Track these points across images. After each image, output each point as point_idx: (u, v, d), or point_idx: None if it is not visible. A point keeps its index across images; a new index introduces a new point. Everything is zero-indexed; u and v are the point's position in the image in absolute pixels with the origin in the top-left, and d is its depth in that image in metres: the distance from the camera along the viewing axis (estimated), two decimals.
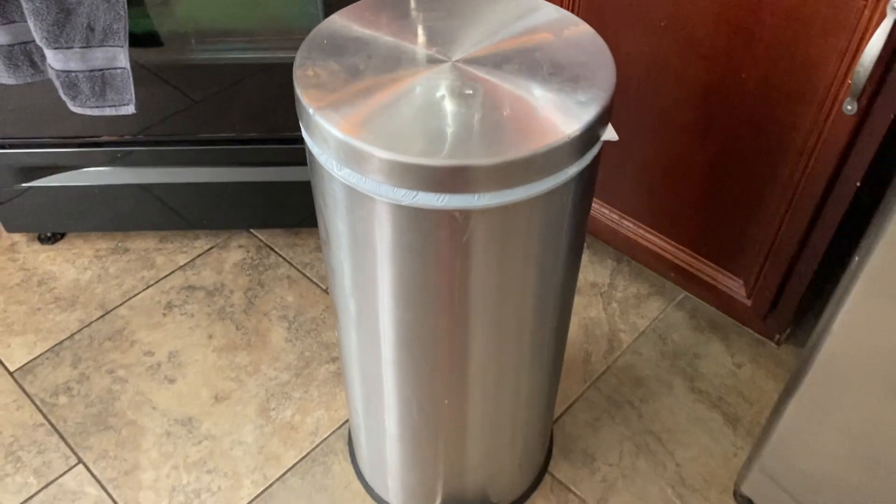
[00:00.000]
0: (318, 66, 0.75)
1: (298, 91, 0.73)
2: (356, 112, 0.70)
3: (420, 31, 0.79)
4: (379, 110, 0.70)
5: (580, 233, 0.83)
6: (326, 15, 1.24)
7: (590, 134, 0.71)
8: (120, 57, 1.15)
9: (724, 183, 1.16)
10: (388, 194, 0.70)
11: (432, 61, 0.75)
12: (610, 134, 0.75)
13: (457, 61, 0.75)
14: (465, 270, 0.75)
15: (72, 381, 1.32)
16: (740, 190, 1.14)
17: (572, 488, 1.19)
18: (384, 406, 0.97)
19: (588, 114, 0.70)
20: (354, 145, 0.68)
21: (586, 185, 0.77)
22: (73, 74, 1.15)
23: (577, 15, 1.14)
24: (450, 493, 1.09)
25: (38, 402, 1.29)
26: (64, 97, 1.18)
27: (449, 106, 0.71)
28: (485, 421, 0.97)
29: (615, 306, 1.43)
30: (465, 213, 0.70)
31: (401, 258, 0.75)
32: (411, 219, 0.71)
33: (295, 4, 1.26)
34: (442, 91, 0.72)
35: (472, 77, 0.74)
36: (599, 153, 0.76)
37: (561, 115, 0.70)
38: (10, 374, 1.33)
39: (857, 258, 0.82)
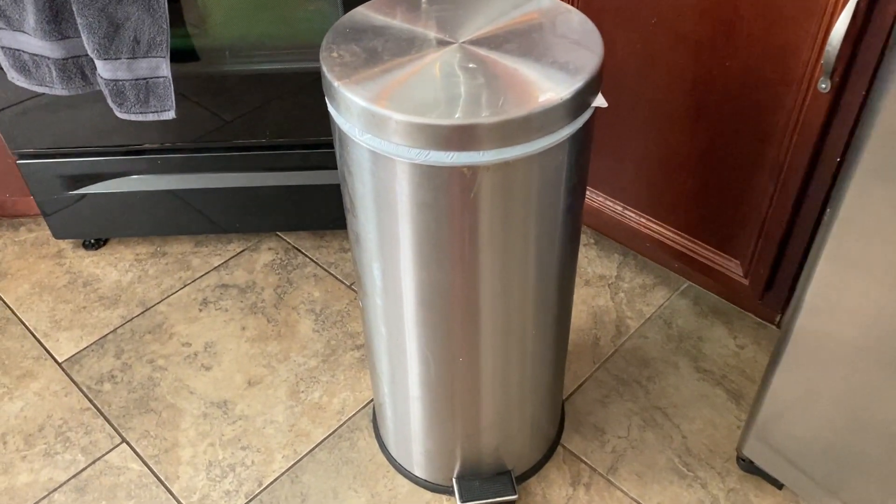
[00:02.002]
0: (341, 49, 0.86)
1: (325, 69, 0.84)
2: (376, 84, 0.81)
3: (430, 19, 0.90)
4: (396, 83, 0.81)
5: (577, 195, 0.92)
6: None
7: (580, 98, 0.81)
8: (162, 66, 1.27)
9: (716, 168, 1.25)
10: (405, 154, 0.80)
11: (441, 43, 0.86)
12: (600, 101, 0.84)
13: (463, 42, 0.86)
14: (473, 225, 0.85)
15: (115, 369, 1.42)
16: (732, 173, 1.23)
17: (584, 458, 1.26)
18: (406, 368, 1.06)
19: (578, 81, 0.80)
20: (374, 111, 0.78)
21: (580, 147, 0.86)
22: (121, 83, 1.28)
23: None
24: (467, 459, 1.17)
25: (84, 389, 1.39)
26: (111, 104, 1.30)
27: (457, 78, 0.81)
28: (496, 379, 1.05)
29: (622, 296, 1.52)
30: (473, 169, 0.80)
31: (418, 215, 0.85)
32: (425, 176, 0.81)
33: (319, 18, 1.39)
34: (450, 66, 0.83)
35: (477, 55, 0.84)
36: (592, 119, 0.86)
37: (555, 83, 0.80)
38: (59, 364, 1.43)
39: (824, 225, 0.91)
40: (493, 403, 1.09)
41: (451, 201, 0.83)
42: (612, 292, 1.52)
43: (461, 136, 0.78)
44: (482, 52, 0.85)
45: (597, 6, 1.23)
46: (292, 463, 1.27)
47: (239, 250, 1.64)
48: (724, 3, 1.09)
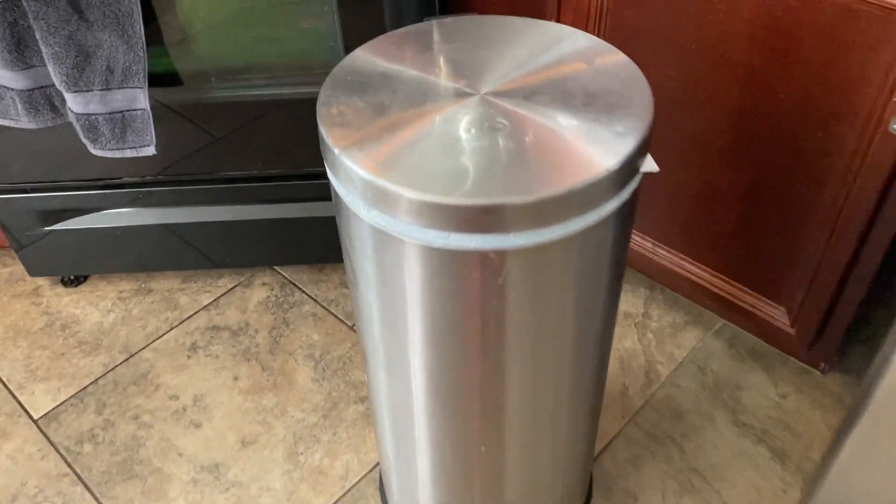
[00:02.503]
0: (342, 104, 0.72)
1: (323, 130, 0.70)
2: (383, 150, 0.67)
3: (445, 63, 0.76)
4: (406, 147, 0.67)
5: (619, 269, 0.79)
6: (346, 47, 1.23)
7: (629, 166, 0.67)
8: (139, 98, 1.13)
9: (762, 208, 1.11)
10: (419, 236, 0.66)
11: (459, 95, 0.72)
12: (649, 165, 0.71)
13: (485, 94, 0.72)
14: (500, 312, 0.72)
15: (96, 427, 1.29)
16: (780, 215, 1.10)
17: None
18: (416, 451, 0.93)
19: (626, 145, 0.67)
20: (382, 186, 0.65)
21: (626, 219, 0.73)
22: (94, 117, 1.14)
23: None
24: None
25: (62, 451, 1.26)
26: (84, 140, 1.17)
27: (479, 140, 0.68)
28: (523, 466, 0.93)
29: (651, 336, 1.39)
30: (501, 254, 0.66)
31: (432, 301, 0.72)
32: (444, 260, 0.68)
33: (313, 38, 1.24)
34: (471, 125, 0.69)
35: (502, 110, 0.71)
36: (639, 186, 0.72)
37: (597, 147, 0.67)
38: (35, 422, 1.31)
39: None
40: (520, 488, 0.96)
41: (473, 287, 0.70)
42: (640, 332, 1.39)
43: (488, 218, 0.64)
44: (509, 105, 0.71)
45: (627, 27, 1.09)
46: None
47: (230, 286, 1.50)
48: (779, 28, 0.95)
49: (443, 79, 0.74)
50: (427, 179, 0.65)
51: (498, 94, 0.72)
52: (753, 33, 0.97)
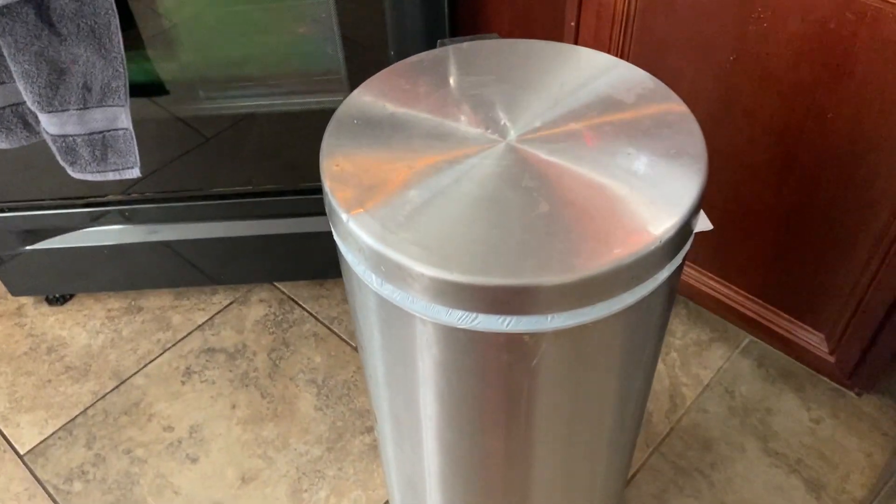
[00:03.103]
0: (348, 156, 0.63)
1: (327, 189, 0.61)
2: (397, 215, 0.58)
3: (466, 103, 0.67)
4: (423, 211, 0.58)
5: (663, 332, 0.70)
6: (346, 54, 1.12)
7: (683, 230, 0.58)
8: (121, 117, 1.03)
9: (804, 231, 1.02)
10: (441, 317, 0.57)
11: (484, 142, 0.63)
12: (704, 224, 0.62)
13: (514, 141, 0.63)
14: (531, 395, 0.63)
15: (87, 463, 1.21)
16: (823, 240, 1.01)
17: None
18: None
19: (681, 206, 0.58)
20: (398, 260, 0.56)
21: (674, 285, 0.64)
22: (71, 139, 1.04)
23: (630, 53, 1.01)
24: None
25: (51, 490, 1.19)
26: (62, 163, 1.07)
27: (508, 202, 0.59)
28: None
29: (675, 356, 1.30)
30: (536, 337, 0.58)
31: (452, 381, 0.63)
32: (468, 343, 0.59)
33: (309, 44, 1.14)
34: (500, 183, 0.60)
35: (535, 162, 0.61)
36: (691, 248, 0.63)
37: (647, 208, 0.58)
38: (21, 457, 1.23)
39: None
40: None
41: (500, 370, 0.61)
42: (664, 351, 1.31)
43: (521, 299, 0.55)
44: (542, 155, 0.62)
45: (657, 35, 0.99)
46: None
47: (226, 303, 1.42)
48: (833, 42, 0.85)
49: (462, 122, 0.65)
50: (449, 252, 0.55)
51: (528, 140, 0.63)
52: (802, 46, 0.87)
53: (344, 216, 0.58)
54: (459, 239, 0.56)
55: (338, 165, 0.62)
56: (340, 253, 0.64)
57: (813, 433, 1.20)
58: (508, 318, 0.56)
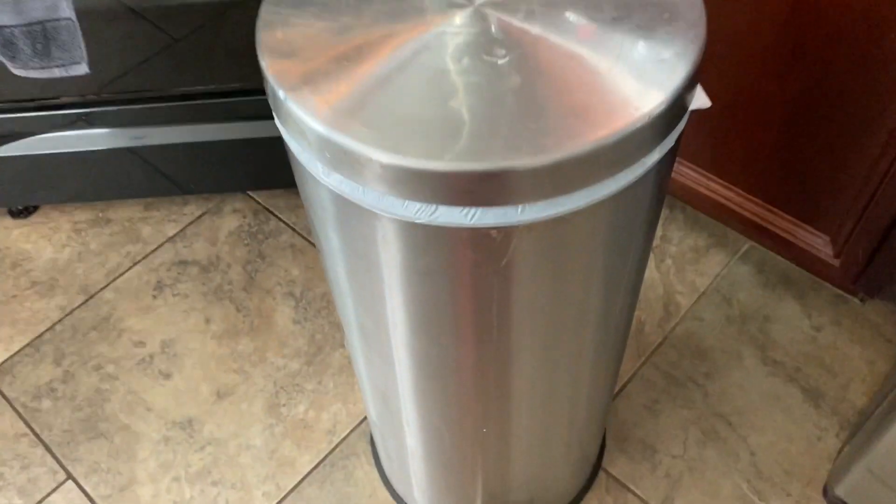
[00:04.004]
0: (289, 25, 0.54)
1: (264, 63, 0.52)
2: (345, 91, 0.50)
3: None
4: (377, 87, 0.50)
5: (653, 229, 0.63)
6: None
7: (676, 106, 0.50)
8: (61, 5, 0.94)
9: (810, 124, 0.94)
10: (397, 211, 0.50)
11: (447, 7, 0.54)
12: (701, 100, 0.54)
13: (482, 5, 0.54)
14: (504, 298, 0.56)
15: (55, 380, 1.16)
16: (831, 133, 0.92)
17: (631, 487, 1.03)
18: (405, 431, 0.80)
19: (674, 78, 0.50)
20: (344, 144, 0.48)
21: (665, 172, 0.56)
22: (8, 31, 0.94)
23: None
24: None
25: (19, 408, 1.14)
26: (2, 58, 0.98)
27: (475, 75, 0.50)
28: (533, 442, 0.80)
29: (669, 263, 1.24)
30: (506, 232, 0.50)
31: (418, 285, 0.56)
32: (430, 240, 0.52)
33: None
34: (463, 53, 0.51)
35: (506, 29, 0.53)
36: (684, 129, 0.55)
37: (635, 80, 0.50)
38: None
39: None
40: (528, 465, 0.84)
41: (468, 271, 0.54)
42: (658, 258, 1.24)
43: (488, 187, 0.48)
44: (515, 21, 0.53)
45: None
46: (275, 502, 1.04)
47: (198, 214, 1.34)
48: None
49: None
50: (405, 134, 0.48)
51: (498, 4, 0.54)
52: None
53: (282, 94, 0.50)
54: (415, 119, 0.48)
55: (277, 37, 0.53)
56: (284, 141, 0.56)
57: (813, 341, 1.15)
58: (473, 210, 0.49)
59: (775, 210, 1.07)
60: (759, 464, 1.04)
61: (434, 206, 0.49)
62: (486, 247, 0.52)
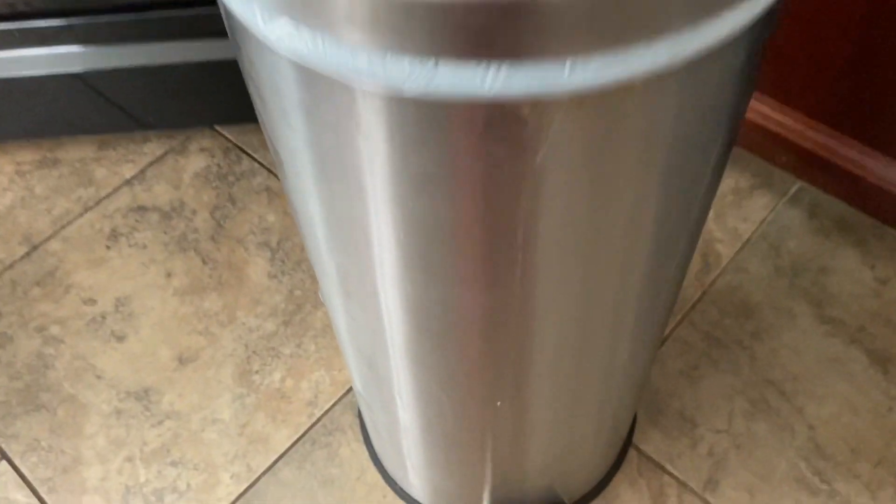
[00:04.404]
0: None
1: None
2: None
3: None
4: None
5: (737, 125, 0.45)
6: None
7: None
8: None
9: (890, 28, 0.76)
10: (378, 75, 0.32)
11: None
12: None
13: None
14: (532, 219, 0.39)
15: None
16: None
17: (667, 467, 0.87)
18: (396, 401, 0.63)
19: None
20: None
21: (763, 38, 0.39)
22: None
23: None
24: (501, 495, 0.77)
25: None
26: None
27: None
28: (557, 416, 0.63)
29: None
30: (543, 108, 0.33)
31: (411, 199, 0.39)
32: (428, 125, 0.35)
33: None
34: None
35: None
36: None
37: None
38: None
39: None
40: (550, 445, 0.68)
41: (482, 175, 0.37)
42: None
43: (520, 25, 0.30)
44: None
45: None
46: (245, 486, 0.88)
47: (159, 153, 1.16)
48: None
49: None
50: None
51: None
52: None
53: None
54: None
55: None
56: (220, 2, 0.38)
57: (878, 295, 0.98)
58: (494, 68, 0.31)
59: (842, 137, 0.89)
60: (820, 440, 0.88)
61: (433, 61, 0.31)
62: (512, 134, 0.34)
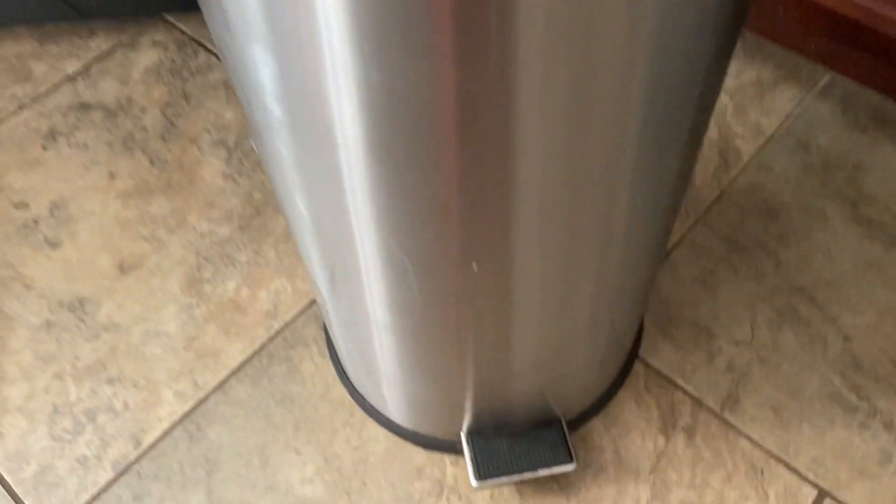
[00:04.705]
0: None
1: None
2: None
3: None
4: None
5: None
6: None
7: None
8: None
9: None
10: None
11: None
12: None
13: None
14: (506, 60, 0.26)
15: None
16: None
17: (679, 382, 0.75)
18: (359, 280, 0.51)
19: None
20: None
21: None
22: None
23: None
24: (486, 406, 0.65)
25: None
26: None
27: None
28: (546, 298, 0.51)
29: (725, 100, 0.94)
30: None
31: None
32: None
33: None
34: None
35: None
36: None
37: None
38: None
39: None
40: (537, 338, 0.55)
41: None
42: None
43: None
44: None
45: None
46: (191, 405, 0.76)
47: (107, 48, 1.03)
48: None
49: None
50: None
51: None
52: None
53: None
54: None
55: None
56: None
57: None
58: None
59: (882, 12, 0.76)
60: (857, 352, 0.76)
61: None
62: None
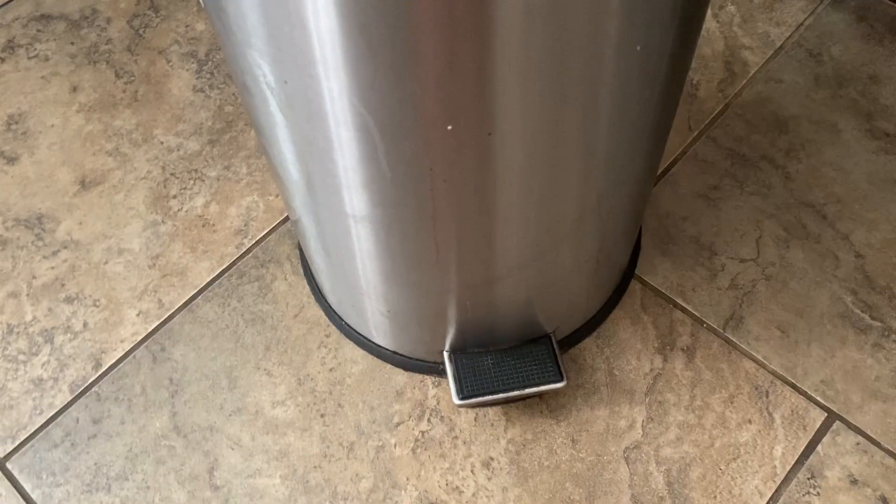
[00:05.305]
0: None
1: None
2: None
3: None
4: None
5: None
6: None
7: None
8: None
9: None
10: None
11: None
12: None
13: None
14: None
15: None
16: None
17: (678, 301, 0.70)
18: (330, 160, 0.45)
19: None
20: None
21: None
22: None
23: None
24: (469, 319, 0.60)
25: None
26: None
27: None
28: (529, 179, 0.45)
29: (732, 10, 0.87)
30: None
31: None
32: None
33: None
34: None
35: None
36: None
37: None
38: None
39: None
40: (524, 227, 0.50)
41: None
42: (716, 3, 0.88)
43: None
44: None
45: None
46: (155, 325, 0.71)
47: None
48: None
49: None
50: None
51: None
52: None
53: None
54: None
55: None
56: None
57: None
58: None
59: None
60: (869, 269, 0.71)
61: None
62: None
